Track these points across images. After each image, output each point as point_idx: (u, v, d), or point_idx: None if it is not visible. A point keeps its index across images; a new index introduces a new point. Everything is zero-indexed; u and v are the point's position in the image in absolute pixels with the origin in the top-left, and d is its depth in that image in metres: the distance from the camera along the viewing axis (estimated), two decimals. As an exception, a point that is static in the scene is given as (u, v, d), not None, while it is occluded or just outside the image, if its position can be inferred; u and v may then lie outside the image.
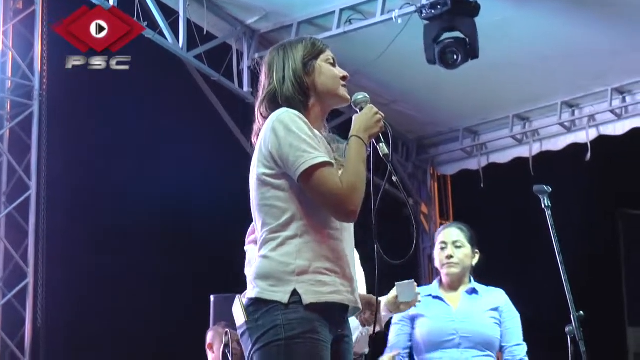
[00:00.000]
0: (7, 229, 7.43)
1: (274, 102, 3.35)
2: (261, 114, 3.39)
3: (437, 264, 5.40)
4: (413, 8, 7.83)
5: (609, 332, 10.39)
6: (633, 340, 11.10)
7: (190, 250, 8.24)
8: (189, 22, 7.98)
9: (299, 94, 3.35)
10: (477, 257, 5.37)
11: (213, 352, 6.24)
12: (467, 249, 5.33)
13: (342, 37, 8.19)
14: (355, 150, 3.24)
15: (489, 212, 10.15)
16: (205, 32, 8.20)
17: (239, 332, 3.20)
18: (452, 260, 5.28)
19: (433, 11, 7.64)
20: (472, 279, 5.37)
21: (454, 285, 5.32)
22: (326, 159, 3.16)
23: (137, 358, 8.03)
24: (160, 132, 8.20)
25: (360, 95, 3.45)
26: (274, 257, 3.17)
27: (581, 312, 4.35)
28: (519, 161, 10.36)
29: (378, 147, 3.36)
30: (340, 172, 3.21)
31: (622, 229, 11.43)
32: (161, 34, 7.80)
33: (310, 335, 3.09)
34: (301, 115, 3.25)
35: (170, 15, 7.93)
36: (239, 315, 3.21)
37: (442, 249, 5.33)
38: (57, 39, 7.37)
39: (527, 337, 5.27)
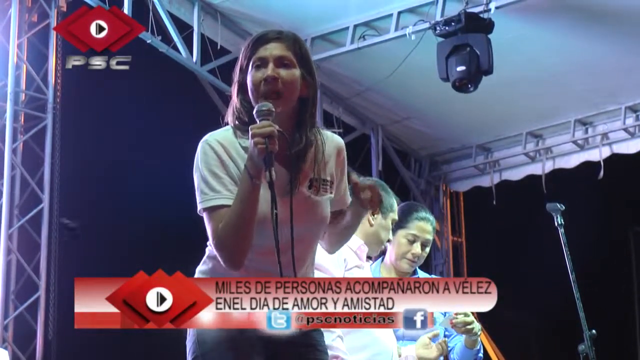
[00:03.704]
0: (20, 241, 7.43)
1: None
2: None
3: (394, 250, 4.83)
4: (427, 25, 7.83)
5: (621, 350, 10.36)
6: (645, 359, 11.06)
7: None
8: (202, 37, 8.02)
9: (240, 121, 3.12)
10: None
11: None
12: (429, 246, 4.86)
13: (355, 53, 8.17)
14: (239, 190, 3.00)
15: (501, 229, 10.13)
16: (219, 47, 8.22)
17: None
18: (417, 260, 4.80)
19: (447, 28, 7.65)
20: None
21: (399, 274, 4.85)
22: (215, 202, 3.03)
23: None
24: (174, 146, 8.20)
25: (258, 107, 2.91)
26: (196, 273, 3.18)
27: (593, 331, 4.33)
28: (532, 178, 10.35)
29: (270, 175, 2.86)
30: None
31: (634, 247, 11.41)
32: (175, 48, 7.83)
33: (224, 346, 2.97)
34: (216, 144, 3.11)
35: (184, 29, 7.96)
36: None
37: (412, 242, 4.78)
38: (72, 52, 7.39)
39: (539, 356, 5.24)
